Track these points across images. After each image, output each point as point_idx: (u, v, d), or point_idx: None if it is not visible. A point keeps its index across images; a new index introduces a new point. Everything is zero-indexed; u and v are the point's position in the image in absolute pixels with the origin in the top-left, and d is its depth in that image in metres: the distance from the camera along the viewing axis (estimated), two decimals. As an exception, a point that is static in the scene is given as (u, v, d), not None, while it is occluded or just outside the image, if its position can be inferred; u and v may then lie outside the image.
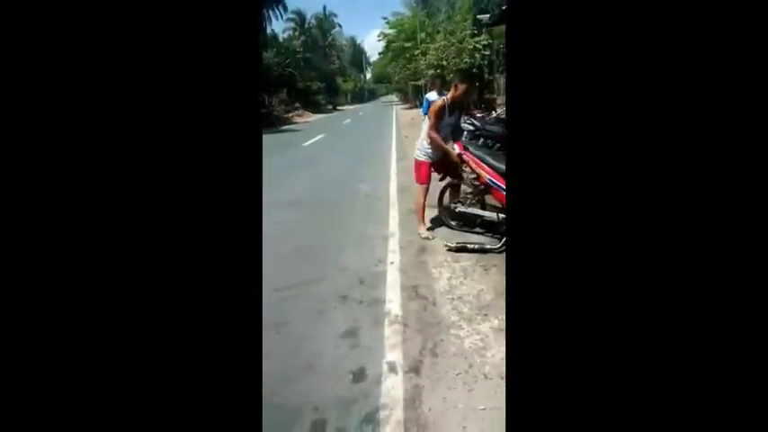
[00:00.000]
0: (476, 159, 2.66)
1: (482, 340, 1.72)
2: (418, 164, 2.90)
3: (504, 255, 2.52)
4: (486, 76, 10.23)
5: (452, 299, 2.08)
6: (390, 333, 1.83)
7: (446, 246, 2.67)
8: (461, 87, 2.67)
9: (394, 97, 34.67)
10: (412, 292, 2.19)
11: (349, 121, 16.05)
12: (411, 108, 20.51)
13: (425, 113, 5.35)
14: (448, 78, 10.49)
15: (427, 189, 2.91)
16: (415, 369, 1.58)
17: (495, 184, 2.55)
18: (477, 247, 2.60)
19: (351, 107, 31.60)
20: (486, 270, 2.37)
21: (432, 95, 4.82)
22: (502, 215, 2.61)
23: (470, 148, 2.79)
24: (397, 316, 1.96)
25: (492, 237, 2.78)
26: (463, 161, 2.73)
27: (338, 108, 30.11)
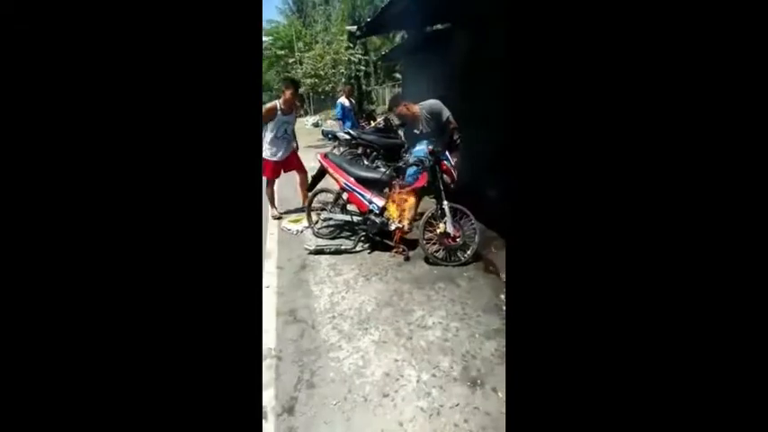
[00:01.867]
0: (334, 166, 2.77)
1: (362, 357, 1.63)
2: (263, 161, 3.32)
3: (382, 262, 2.54)
4: (365, 87, 10.64)
5: (333, 317, 1.95)
6: (263, 369, 1.59)
7: (306, 249, 2.72)
8: (287, 93, 3.17)
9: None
10: (289, 317, 1.98)
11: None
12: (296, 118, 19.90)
13: (339, 118, 5.44)
14: (327, 89, 10.55)
15: (272, 182, 3.38)
16: (288, 409, 1.38)
17: (351, 188, 2.69)
18: (333, 248, 2.71)
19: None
20: (367, 279, 2.32)
21: (344, 101, 5.36)
22: (357, 217, 2.76)
23: (329, 156, 2.88)
24: (270, 350, 1.72)
25: (351, 239, 2.83)
26: (324, 168, 2.83)
27: (214, 117, 27.28)
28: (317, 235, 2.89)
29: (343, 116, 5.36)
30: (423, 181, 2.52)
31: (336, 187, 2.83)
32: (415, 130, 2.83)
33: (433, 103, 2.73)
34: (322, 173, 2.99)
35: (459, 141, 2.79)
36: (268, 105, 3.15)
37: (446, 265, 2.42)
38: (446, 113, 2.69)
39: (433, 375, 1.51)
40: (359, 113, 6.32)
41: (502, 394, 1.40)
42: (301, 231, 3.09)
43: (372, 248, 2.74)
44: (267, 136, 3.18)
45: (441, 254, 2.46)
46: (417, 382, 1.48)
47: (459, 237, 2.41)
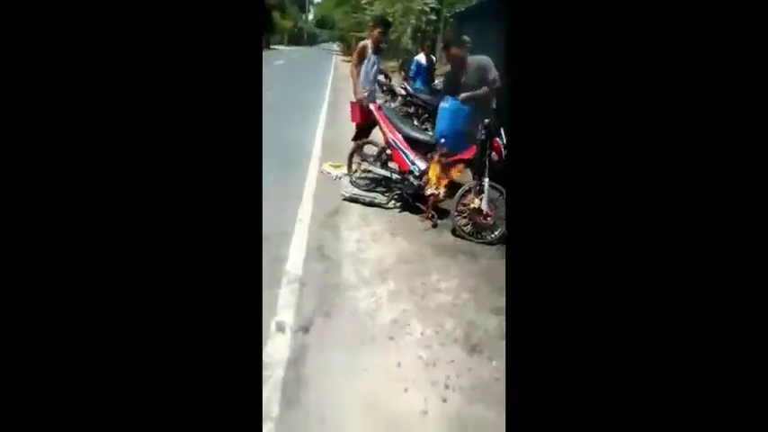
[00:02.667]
0: (385, 119, 2.78)
1: (376, 302, 1.78)
2: (351, 105, 3.23)
3: (410, 223, 2.63)
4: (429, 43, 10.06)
5: (356, 261, 2.10)
6: (287, 292, 1.78)
7: (342, 194, 2.84)
8: (375, 32, 3.12)
9: (335, 46, 32.36)
10: (317, 252, 2.14)
11: (282, 62, 14.62)
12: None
13: (411, 76, 5.06)
14: (392, 38, 10.11)
15: (359, 126, 3.25)
16: (304, 328, 1.57)
17: (396, 144, 2.72)
18: (367, 200, 2.83)
19: (286, 48, 28.62)
20: (393, 236, 2.43)
21: (421, 58, 5.03)
22: (396, 175, 2.82)
23: (383, 110, 2.90)
24: (296, 276, 1.90)
25: (385, 195, 2.92)
26: (375, 119, 2.86)
27: (271, 47, 27.06)
28: (354, 184, 2.99)
29: (417, 74, 4.91)
30: (470, 153, 2.50)
31: (382, 141, 2.86)
32: (460, 78, 2.82)
33: (483, 58, 2.76)
34: (372, 124, 3.02)
35: (495, 106, 2.78)
36: (360, 44, 3.11)
37: (471, 241, 2.47)
38: (494, 72, 2.69)
39: (436, 332, 1.64)
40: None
41: (496, 363, 1.51)
42: (339, 177, 3.20)
43: (403, 208, 2.82)
44: (359, 77, 3.11)
45: (468, 228, 2.50)
46: (421, 334, 1.62)
47: (491, 216, 2.43)
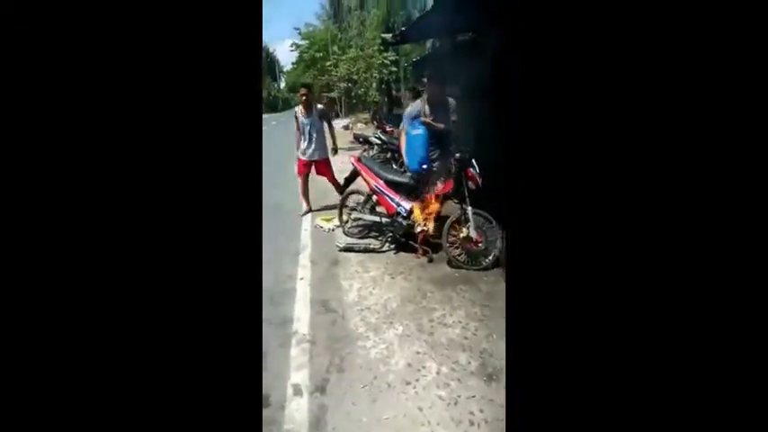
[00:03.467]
0: (366, 168, 2.96)
1: (387, 348, 1.78)
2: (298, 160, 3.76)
3: (407, 262, 2.69)
4: (395, 92, 10.82)
5: (361, 310, 2.12)
6: (297, 353, 1.78)
7: (336, 246, 2.94)
8: (299, 95, 3.63)
9: (309, 107, 34.08)
10: (321, 306, 2.16)
11: (264, 128, 15.30)
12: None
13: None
14: (360, 92, 10.86)
15: (302, 179, 3.74)
16: (320, 388, 1.56)
17: (380, 190, 2.86)
18: (362, 246, 2.91)
19: (264, 116, 30.17)
20: (393, 278, 2.48)
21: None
22: (385, 218, 2.93)
23: (362, 159, 3.09)
24: (304, 335, 1.91)
25: (378, 239, 3.00)
26: (357, 171, 3.04)
27: (249, 116, 28.33)
28: (348, 234, 3.08)
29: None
30: (448, 187, 2.64)
31: (367, 189, 3.00)
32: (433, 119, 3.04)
33: (450, 99, 3.08)
34: (355, 174, 3.18)
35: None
36: (296, 110, 3.68)
37: (468, 269, 2.53)
38: (453, 114, 2.98)
39: (452, 369, 1.64)
40: (387, 117, 6.26)
41: (516, 389, 1.50)
42: (333, 230, 3.29)
43: (398, 249, 2.89)
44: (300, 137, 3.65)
45: (463, 257, 2.57)
46: (437, 373, 1.62)
47: (481, 242, 2.51)
